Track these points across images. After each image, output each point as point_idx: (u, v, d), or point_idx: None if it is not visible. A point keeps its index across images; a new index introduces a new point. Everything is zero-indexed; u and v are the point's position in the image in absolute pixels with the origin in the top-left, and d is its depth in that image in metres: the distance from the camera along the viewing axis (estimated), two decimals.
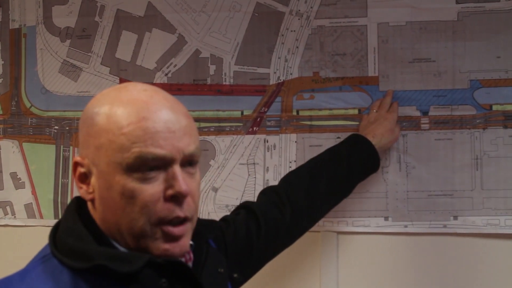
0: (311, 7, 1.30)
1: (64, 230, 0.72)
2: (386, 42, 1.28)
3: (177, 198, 0.69)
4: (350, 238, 1.30)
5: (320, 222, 1.29)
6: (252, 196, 1.32)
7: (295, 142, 1.32)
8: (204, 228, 0.81)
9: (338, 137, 1.29)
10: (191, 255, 0.78)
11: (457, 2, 1.25)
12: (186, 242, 0.73)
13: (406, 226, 1.27)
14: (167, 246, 0.70)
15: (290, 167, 1.31)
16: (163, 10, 1.35)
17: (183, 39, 1.36)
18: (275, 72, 1.32)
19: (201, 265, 0.78)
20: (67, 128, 1.41)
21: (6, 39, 1.43)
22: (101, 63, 1.39)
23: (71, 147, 1.41)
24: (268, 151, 1.33)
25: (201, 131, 1.35)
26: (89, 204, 0.74)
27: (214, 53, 1.35)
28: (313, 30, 1.30)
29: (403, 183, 1.27)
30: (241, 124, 1.34)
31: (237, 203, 1.32)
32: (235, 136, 1.34)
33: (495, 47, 1.24)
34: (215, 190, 1.34)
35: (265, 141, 1.33)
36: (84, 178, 0.72)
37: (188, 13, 1.35)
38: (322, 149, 1.27)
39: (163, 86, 1.35)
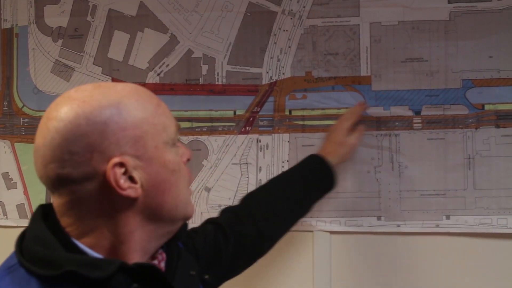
0: (304, 7, 1.33)
1: (31, 238, 0.72)
2: (379, 42, 1.31)
3: (187, 162, 0.79)
4: (343, 237, 1.32)
5: (313, 222, 1.33)
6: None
7: (288, 141, 1.34)
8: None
9: None
10: (164, 255, 0.80)
11: (449, 2, 1.28)
12: None
13: (399, 226, 1.30)
14: (191, 206, 0.80)
15: (283, 166, 1.34)
16: (155, 9, 1.38)
17: (175, 39, 1.38)
18: (267, 72, 1.35)
19: (173, 267, 0.80)
20: None
21: None
22: (93, 63, 1.42)
23: None
24: (260, 151, 1.36)
25: (193, 131, 1.38)
26: (124, 204, 0.72)
27: (206, 53, 1.38)
28: (306, 29, 1.33)
29: (395, 182, 1.30)
30: (234, 124, 1.37)
31: (230, 203, 1.35)
32: (227, 136, 1.37)
33: (487, 46, 1.27)
34: (208, 190, 1.37)
35: (258, 141, 1.36)
36: (126, 178, 0.70)
37: (180, 13, 1.38)
38: (315, 149, 1.31)
39: (155, 86, 1.39)
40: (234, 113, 1.37)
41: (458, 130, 1.28)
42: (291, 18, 1.34)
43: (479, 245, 1.28)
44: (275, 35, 1.34)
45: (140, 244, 0.74)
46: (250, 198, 1.14)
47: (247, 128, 1.36)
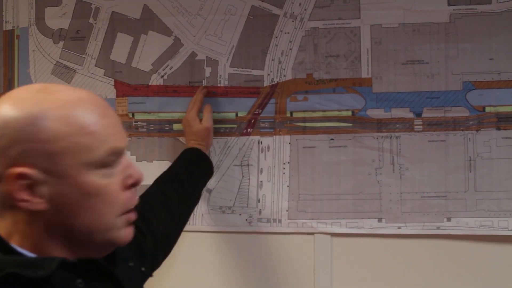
0: (305, 9, 1.41)
1: None
2: (379, 44, 1.38)
3: (134, 186, 0.77)
4: (344, 240, 1.39)
5: (314, 224, 1.41)
6: (245, 197, 1.43)
7: (289, 143, 1.42)
8: None
9: (332, 139, 1.39)
10: None
11: (449, 4, 1.36)
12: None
13: (399, 228, 1.37)
14: (126, 232, 0.77)
15: (284, 168, 1.42)
16: (159, 13, 1.46)
17: (179, 42, 1.46)
18: (269, 74, 1.43)
19: (112, 261, 0.81)
20: None
21: (0, 40, 1.52)
22: (95, 65, 1.49)
23: None
24: (262, 153, 1.43)
25: None
26: (23, 217, 0.72)
27: (209, 56, 1.46)
28: (307, 32, 1.41)
29: (396, 184, 1.37)
30: (235, 125, 1.45)
31: (231, 204, 1.43)
32: (229, 138, 1.45)
33: (487, 49, 1.35)
34: (209, 191, 1.44)
35: (259, 142, 1.43)
36: (28, 189, 0.70)
37: (184, 16, 1.46)
38: (315, 151, 1.39)
39: (159, 88, 1.47)
40: (236, 115, 1.44)
41: (459, 132, 1.36)
42: (293, 21, 1.42)
43: (480, 247, 1.35)
44: (276, 37, 1.42)
45: (64, 251, 0.75)
46: (146, 201, 1.14)
47: (249, 130, 1.44)
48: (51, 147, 0.70)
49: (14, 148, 0.69)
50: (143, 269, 0.92)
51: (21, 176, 0.69)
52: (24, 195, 0.70)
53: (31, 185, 0.70)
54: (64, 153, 0.70)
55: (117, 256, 0.83)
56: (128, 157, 0.78)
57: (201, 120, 1.37)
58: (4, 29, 1.53)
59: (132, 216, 0.78)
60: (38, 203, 0.70)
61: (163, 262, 1.13)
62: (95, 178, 0.72)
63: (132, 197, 0.77)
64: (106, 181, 0.73)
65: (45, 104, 0.71)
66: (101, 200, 0.73)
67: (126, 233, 0.77)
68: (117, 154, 0.74)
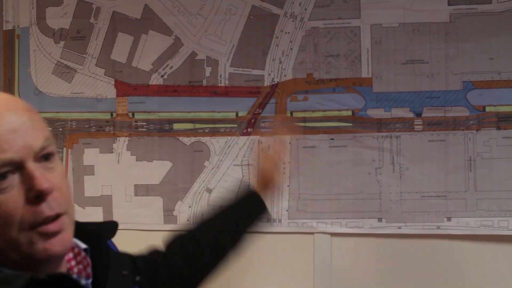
0: (305, 9, 1.42)
1: None
2: (379, 44, 1.39)
3: (41, 198, 0.68)
4: (344, 239, 1.40)
5: (314, 223, 1.42)
6: None
7: (289, 143, 1.42)
8: (100, 228, 0.83)
9: (332, 138, 1.40)
10: (88, 260, 0.79)
11: (449, 4, 1.37)
12: (67, 236, 0.72)
13: (399, 228, 1.38)
14: (46, 245, 0.69)
15: (284, 168, 1.43)
16: (160, 12, 1.47)
17: (180, 41, 1.47)
18: (269, 74, 1.44)
19: (105, 269, 0.78)
20: (60, 129, 1.51)
21: (0, 40, 1.54)
22: (96, 65, 1.50)
23: (64, 149, 1.52)
24: (262, 152, 1.44)
25: (196, 132, 1.47)
26: None
27: (210, 55, 1.47)
28: (307, 31, 1.42)
29: (396, 184, 1.38)
30: (236, 125, 1.46)
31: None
32: (229, 137, 1.46)
33: (487, 48, 1.36)
34: (209, 191, 1.46)
35: (260, 142, 1.45)
36: None
37: (184, 16, 1.47)
38: (315, 150, 1.40)
39: (159, 88, 1.48)
40: (236, 114, 1.46)
41: (459, 132, 1.37)
42: (293, 21, 1.43)
43: (480, 247, 1.35)
44: (277, 37, 1.43)
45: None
46: (195, 233, 1.13)
47: (249, 129, 1.45)
48: None
49: None
50: (137, 278, 0.89)
51: None
52: None
53: None
54: None
55: (111, 263, 0.80)
56: (34, 167, 0.69)
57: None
58: (4, 29, 1.54)
59: (45, 228, 0.69)
60: None
61: None
62: None
63: (40, 211, 0.68)
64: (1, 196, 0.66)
65: None
66: None
67: (45, 247, 0.69)
68: (7, 166, 0.67)
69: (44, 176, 0.69)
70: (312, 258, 1.41)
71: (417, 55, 1.38)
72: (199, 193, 1.46)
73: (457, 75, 1.37)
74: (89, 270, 0.78)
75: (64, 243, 0.71)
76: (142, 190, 1.48)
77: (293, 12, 1.43)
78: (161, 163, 1.47)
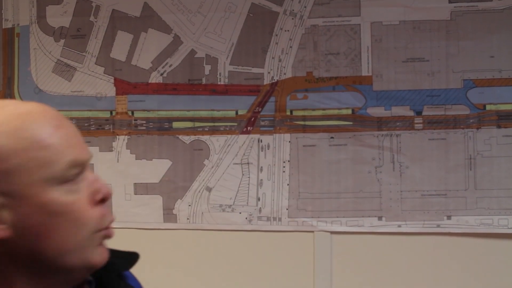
0: (305, 7, 1.42)
1: None
2: (380, 41, 1.39)
3: (104, 201, 0.70)
4: (344, 238, 1.40)
5: (314, 222, 1.41)
6: (245, 195, 1.44)
7: (289, 142, 1.43)
8: (118, 259, 0.79)
9: (332, 137, 1.40)
10: None
11: (450, 2, 1.36)
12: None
13: (399, 226, 1.38)
14: (102, 249, 0.71)
15: (284, 166, 1.43)
16: (159, 10, 1.47)
17: (179, 39, 1.47)
18: (269, 72, 1.43)
19: None
20: None
21: None
22: (95, 63, 1.50)
23: None
24: (262, 151, 1.44)
25: (196, 130, 1.46)
26: None
27: (209, 53, 1.46)
28: (307, 29, 1.42)
29: (396, 183, 1.38)
30: (236, 123, 1.45)
31: (231, 202, 1.44)
32: (229, 136, 1.45)
33: (488, 46, 1.35)
34: (209, 189, 1.45)
35: (259, 140, 1.44)
36: None
37: (184, 14, 1.47)
38: (315, 149, 1.40)
39: (158, 86, 1.48)
40: (236, 113, 1.45)
41: (459, 130, 1.36)
42: (293, 18, 1.42)
43: (480, 245, 1.35)
44: (276, 35, 1.43)
45: None
46: None
47: (249, 128, 1.45)
48: (4, 166, 0.64)
49: None
50: None
51: None
52: None
53: None
54: (20, 171, 0.64)
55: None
56: (94, 172, 0.72)
57: None
58: (3, 27, 1.54)
59: (109, 233, 0.71)
60: (2, 230, 0.64)
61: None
62: (58, 195, 0.66)
63: (105, 213, 0.70)
64: (72, 198, 0.67)
65: None
66: (68, 218, 0.67)
67: (100, 253, 0.70)
68: (79, 167, 0.68)
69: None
70: (312, 257, 1.41)
71: (417, 53, 1.37)
72: (199, 191, 1.46)
73: (458, 73, 1.36)
74: None
75: (107, 251, 0.72)
76: (141, 188, 1.48)
77: (293, 10, 1.42)
78: (161, 162, 1.47)
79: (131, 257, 0.85)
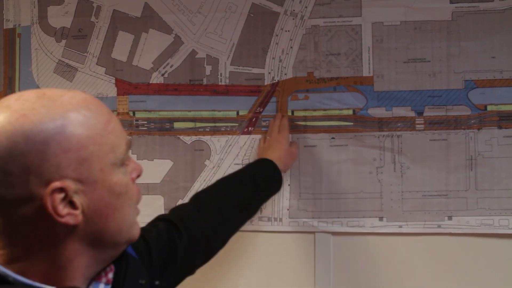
0: (306, 7, 1.41)
1: None
2: (381, 42, 1.38)
3: (137, 178, 0.77)
4: (345, 238, 1.40)
5: (315, 223, 1.41)
6: None
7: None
8: None
9: (333, 137, 1.40)
10: (112, 266, 0.79)
11: (451, 2, 1.35)
12: None
13: (400, 227, 1.37)
14: (138, 224, 0.78)
15: None
16: (160, 11, 1.46)
17: (180, 40, 1.47)
18: (269, 73, 1.43)
19: (122, 278, 0.79)
20: None
21: (0, 39, 1.54)
22: (96, 63, 1.50)
23: None
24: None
25: (196, 131, 1.46)
26: (62, 231, 0.69)
27: (210, 54, 1.46)
28: (307, 30, 1.41)
29: (397, 183, 1.38)
30: (237, 124, 1.45)
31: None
32: (230, 136, 1.45)
33: (489, 47, 1.34)
34: None
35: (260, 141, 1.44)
36: (65, 203, 0.67)
37: (184, 14, 1.46)
38: (316, 149, 1.39)
39: (159, 86, 1.48)
40: (237, 113, 1.45)
41: (461, 131, 1.36)
42: (293, 19, 1.42)
43: (481, 246, 1.35)
44: (277, 35, 1.42)
45: (79, 271, 0.71)
46: (201, 197, 1.19)
47: (250, 128, 1.44)
48: (81, 154, 0.67)
49: (45, 163, 0.65)
50: (156, 283, 0.89)
51: (59, 190, 0.66)
52: (66, 209, 0.67)
53: (66, 198, 0.67)
54: (94, 157, 0.68)
55: (128, 273, 0.80)
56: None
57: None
58: (4, 28, 1.54)
59: (139, 209, 0.79)
60: (76, 216, 0.68)
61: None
62: (121, 176, 0.72)
63: (139, 190, 0.78)
64: (127, 178, 0.74)
65: (60, 109, 0.68)
66: (127, 197, 0.73)
67: (138, 227, 0.78)
68: (129, 148, 0.75)
69: None
70: (313, 257, 1.41)
71: (418, 53, 1.37)
72: None
73: (459, 74, 1.36)
74: (110, 275, 0.78)
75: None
76: (143, 188, 1.47)
77: (294, 10, 1.42)
78: (162, 162, 1.47)
79: None
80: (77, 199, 0.68)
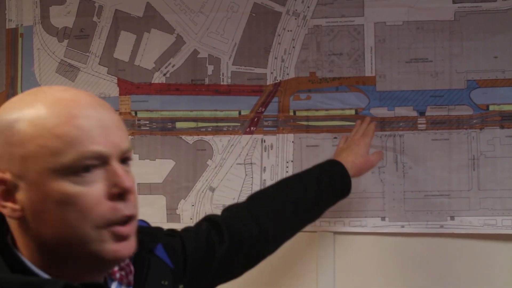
0: (308, 7, 1.41)
1: None
2: (383, 42, 1.38)
3: (122, 196, 0.69)
4: (347, 238, 1.39)
5: (317, 222, 1.39)
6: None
7: (292, 142, 1.42)
8: (146, 236, 0.81)
9: (335, 137, 1.39)
10: (132, 268, 0.78)
11: (453, 2, 1.35)
12: (133, 243, 0.72)
13: (403, 227, 1.37)
14: (117, 247, 0.69)
15: (287, 167, 1.42)
16: (162, 10, 1.46)
17: (182, 39, 1.46)
18: (272, 72, 1.42)
19: (143, 278, 0.77)
20: None
21: (2, 38, 1.54)
22: (99, 63, 1.50)
23: None
24: (265, 151, 1.43)
25: (199, 131, 1.46)
26: (14, 225, 0.70)
27: (212, 53, 1.46)
28: (310, 29, 1.41)
29: (400, 183, 1.37)
30: (239, 124, 1.45)
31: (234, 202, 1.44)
32: (232, 136, 1.45)
33: (492, 47, 1.34)
34: (212, 190, 1.45)
35: (262, 141, 1.43)
36: (6, 196, 0.68)
37: (186, 14, 1.46)
38: (318, 149, 1.39)
39: (161, 86, 1.47)
40: (239, 113, 1.45)
41: (463, 130, 1.35)
42: (295, 18, 1.41)
43: (484, 246, 1.34)
44: (279, 35, 1.42)
45: (68, 270, 0.70)
46: (257, 197, 1.14)
47: (252, 128, 1.44)
48: (22, 151, 0.66)
49: (10, 150, 0.67)
50: (180, 286, 0.86)
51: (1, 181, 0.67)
52: (7, 202, 0.67)
53: (8, 191, 0.67)
54: (32, 157, 0.66)
55: (149, 274, 0.79)
56: (118, 165, 0.70)
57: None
58: (7, 27, 1.54)
59: (120, 230, 0.69)
60: (15, 210, 0.67)
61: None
62: (66, 186, 0.66)
63: (118, 208, 0.69)
64: (80, 189, 0.66)
65: (25, 104, 0.69)
66: (73, 210, 0.66)
67: (114, 248, 0.69)
68: (93, 159, 0.67)
69: (127, 175, 0.70)
70: (315, 257, 1.41)
71: (421, 53, 1.36)
72: (202, 191, 1.45)
73: (461, 74, 1.35)
74: (130, 278, 0.77)
75: (130, 249, 0.72)
76: (145, 188, 1.47)
77: (296, 10, 1.41)
78: (164, 162, 1.46)
79: (157, 231, 0.89)
80: (18, 195, 0.67)
